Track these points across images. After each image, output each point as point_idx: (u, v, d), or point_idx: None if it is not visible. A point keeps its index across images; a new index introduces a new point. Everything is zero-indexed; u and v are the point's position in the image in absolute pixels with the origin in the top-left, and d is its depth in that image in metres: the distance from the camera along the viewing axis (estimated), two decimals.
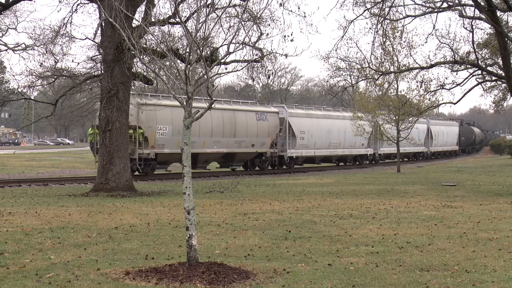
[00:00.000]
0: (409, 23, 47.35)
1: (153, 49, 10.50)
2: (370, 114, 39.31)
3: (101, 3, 17.39)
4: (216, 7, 9.22)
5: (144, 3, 20.91)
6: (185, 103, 8.38)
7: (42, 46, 24.49)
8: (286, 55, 13.01)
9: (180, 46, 17.12)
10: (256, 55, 17.57)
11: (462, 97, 25.85)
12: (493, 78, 26.33)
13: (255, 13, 18.16)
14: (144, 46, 10.04)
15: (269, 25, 21.40)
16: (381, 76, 30.70)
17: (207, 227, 12.40)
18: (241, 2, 18.25)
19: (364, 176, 32.81)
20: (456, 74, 28.44)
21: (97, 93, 24.01)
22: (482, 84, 29.22)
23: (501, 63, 22.96)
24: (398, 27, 28.01)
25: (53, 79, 23.55)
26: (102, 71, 21.52)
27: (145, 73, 21.63)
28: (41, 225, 12.52)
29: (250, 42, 10.82)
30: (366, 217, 14.10)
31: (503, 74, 22.46)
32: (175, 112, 30.01)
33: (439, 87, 26.49)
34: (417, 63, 26.93)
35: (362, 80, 36.61)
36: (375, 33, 24.29)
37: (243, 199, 18.52)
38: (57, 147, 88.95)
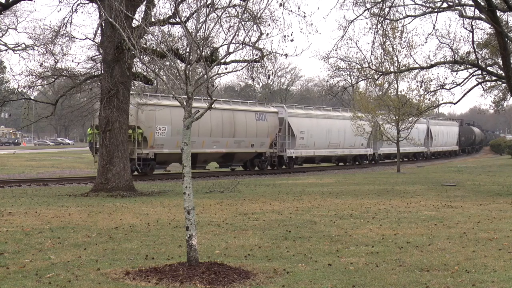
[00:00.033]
0: (409, 23, 47.38)
1: (153, 49, 10.50)
2: (370, 114, 39.31)
3: (101, 3, 17.39)
4: (216, 7, 9.22)
5: (144, 3, 20.91)
6: (185, 103, 8.38)
7: (42, 46, 24.50)
8: (286, 55, 13.02)
9: (180, 46, 17.13)
10: (256, 55, 17.57)
11: (462, 97, 25.87)
12: (493, 78, 26.34)
13: (255, 13, 18.16)
14: (144, 46, 10.04)
15: (269, 25, 21.42)
16: (381, 76, 30.70)
17: (207, 227, 12.40)
18: (241, 2, 18.26)
19: (364, 176, 32.81)
20: (456, 74, 28.46)
21: (97, 93, 24.01)
22: (482, 84, 29.22)
23: (501, 63, 22.96)
24: (398, 27, 28.01)
25: (53, 79, 23.55)
26: (102, 71, 21.52)
27: (145, 73, 21.63)
28: (41, 225, 12.52)
29: (250, 42, 10.82)
30: (366, 217, 14.10)
31: (503, 74, 22.46)
32: (174, 112, 30.01)
33: (439, 87, 26.50)
34: (417, 63, 26.96)
35: (362, 80, 36.63)
36: (375, 33, 24.31)
37: (243, 199, 18.52)
38: (57, 147, 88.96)
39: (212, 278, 7.57)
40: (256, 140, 35.99)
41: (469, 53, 24.79)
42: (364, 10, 23.86)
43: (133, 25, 16.38)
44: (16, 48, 28.05)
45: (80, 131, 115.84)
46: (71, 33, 23.01)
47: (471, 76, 26.16)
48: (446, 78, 31.51)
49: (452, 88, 25.96)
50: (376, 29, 24.06)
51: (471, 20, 23.14)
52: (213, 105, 8.62)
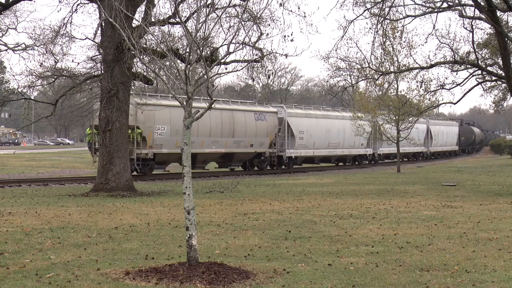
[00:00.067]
0: (409, 23, 47.33)
1: (153, 49, 10.50)
2: (370, 114, 39.30)
3: (101, 3, 17.39)
4: (216, 7, 9.22)
5: (144, 3, 20.91)
6: (185, 103, 8.38)
7: (42, 46, 24.51)
8: (286, 55, 13.04)
9: (180, 46, 17.13)
10: (256, 55, 17.58)
11: (462, 97, 25.87)
12: (493, 78, 26.33)
13: (255, 13, 18.17)
14: (144, 46, 10.04)
15: (269, 25, 21.42)
16: (381, 76, 30.69)
17: (207, 227, 12.40)
18: (241, 2, 18.26)
19: (364, 176, 32.81)
20: (456, 74, 28.44)
21: (97, 93, 24.01)
22: (482, 84, 29.22)
23: (501, 63, 22.96)
24: (398, 27, 28.00)
25: (53, 79, 23.55)
26: (102, 71, 21.52)
27: (145, 73, 21.63)
28: (41, 225, 12.53)
29: (250, 42, 10.82)
30: (366, 217, 14.10)
31: (503, 74, 22.46)
32: (173, 112, 30.00)
33: (439, 87, 26.50)
34: (417, 63, 26.96)
35: (362, 80, 36.62)
36: (375, 33, 24.31)
37: (243, 199, 18.52)
38: (57, 147, 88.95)
39: (212, 278, 7.57)
40: (256, 140, 35.97)
41: (469, 53, 24.80)
42: (364, 10, 23.88)
43: (133, 25, 16.38)
44: (16, 48, 28.06)
45: (80, 131, 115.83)
46: (71, 33, 23.04)
47: (471, 76, 26.17)
48: (446, 78, 31.53)
49: (452, 88, 25.98)
50: (376, 29, 24.07)
51: (471, 20, 23.14)
52: (212, 105, 8.62)
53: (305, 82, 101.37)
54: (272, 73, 60.26)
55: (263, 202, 17.74)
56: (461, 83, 25.71)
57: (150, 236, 11.23)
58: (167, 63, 9.58)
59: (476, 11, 22.21)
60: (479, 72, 25.93)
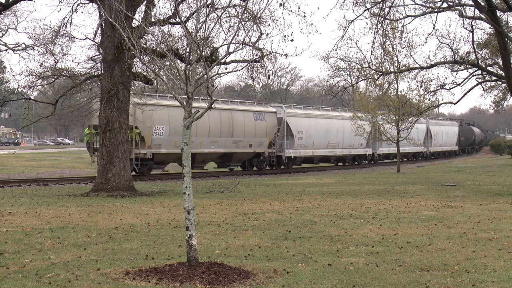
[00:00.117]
0: (409, 23, 47.33)
1: (153, 49, 10.50)
2: (370, 114, 39.30)
3: (101, 3, 17.39)
4: (216, 7, 9.22)
5: (144, 3, 20.91)
6: (185, 103, 8.38)
7: (42, 46, 24.51)
8: (286, 55, 13.04)
9: (180, 46, 17.12)
10: (256, 55, 17.58)
11: (462, 97, 25.87)
12: (493, 78, 26.33)
13: (255, 13, 18.17)
14: (144, 46, 10.04)
15: (269, 25, 21.42)
16: (381, 76, 30.69)
17: (207, 227, 12.40)
18: (241, 2, 18.26)
19: (364, 176, 32.81)
20: (456, 74, 28.44)
21: (96, 93, 24.01)
22: (482, 84, 29.22)
23: (501, 63, 22.96)
24: (398, 27, 28.00)
25: (53, 79, 23.55)
26: (102, 71, 21.52)
27: (145, 73, 21.63)
28: (41, 225, 12.53)
29: (250, 42, 10.83)
30: (366, 217, 14.10)
31: (503, 74, 22.46)
32: (172, 112, 29.98)
33: (439, 87, 26.50)
34: (417, 63, 26.96)
35: (362, 80, 36.62)
36: (375, 33, 24.31)
37: (243, 199, 18.52)
38: (57, 147, 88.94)
39: (212, 278, 7.57)
40: (255, 140, 35.96)
41: (469, 53, 24.80)
42: (364, 10, 23.88)
43: (133, 25, 16.38)
44: (16, 48, 28.06)
45: (80, 131, 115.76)
46: (71, 33, 23.04)
47: (471, 76, 26.17)
48: (446, 78, 31.54)
49: (452, 88, 25.99)
50: (376, 29, 24.07)
51: (471, 20, 23.14)
52: (212, 105, 8.62)
53: (305, 82, 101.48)
54: (272, 73, 60.30)
55: (263, 202, 17.74)
56: (461, 83, 25.74)
57: (150, 236, 11.23)
58: (167, 63, 9.59)
59: (476, 11, 22.22)
60: (479, 72, 25.93)
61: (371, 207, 16.36)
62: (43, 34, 24.28)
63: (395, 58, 28.94)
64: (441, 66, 26.32)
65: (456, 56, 24.60)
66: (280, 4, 17.67)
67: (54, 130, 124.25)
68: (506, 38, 21.12)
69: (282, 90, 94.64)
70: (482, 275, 8.08)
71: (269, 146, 37.21)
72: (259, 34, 12.94)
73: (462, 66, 25.44)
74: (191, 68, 8.31)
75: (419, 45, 67.59)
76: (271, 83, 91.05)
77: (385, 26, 25.22)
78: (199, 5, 8.70)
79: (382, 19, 23.88)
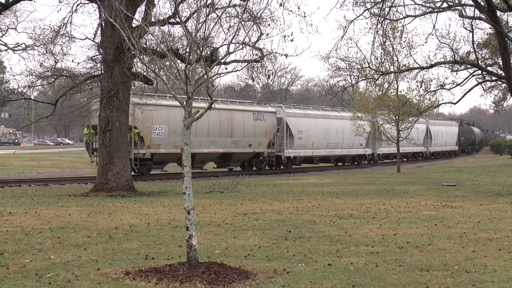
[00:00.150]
0: (409, 23, 47.32)
1: (153, 49, 10.50)
2: (370, 114, 39.30)
3: (101, 3, 17.39)
4: (216, 7, 9.23)
5: (144, 3, 20.91)
6: (185, 103, 8.38)
7: (42, 46, 24.51)
8: (286, 55, 13.05)
9: (180, 46, 17.12)
10: (256, 55, 17.58)
11: (462, 97, 25.88)
12: (493, 78, 26.34)
13: (255, 13, 18.17)
14: (144, 46, 10.04)
15: (269, 25, 21.42)
16: (381, 76, 30.70)
17: (207, 227, 12.40)
18: (241, 2, 18.26)
19: (364, 176, 32.81)
20: (456, 74, 28.46)
21: (96, 93, 24.01)
22: (482, 84, 29.23)
23: (501, 63, 22.97)
24: (398, 27, 28.01)
25: (53, 79, 23.55)
26: (102, 71, 21.52)
27: (145, 73, 21.63)
28: (41, 225, 12.53)
29: (250, 42, 10.83)
30: (366, 217, 14.10)
31: (503, 74, 22.47)
32: (171, 112, 29.95)
33: (439, 87, 26.51)
34: (417, 63, 26.97)
35: (362, 80, 36.65)
36: (375, 33, 24.31)
37: (243, 199, 18.52)
38: (57, 147, 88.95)
39: (212, 278, 7.57)
40: (254, 140, 35.94)
41: (469, 53, 24.80)
42: (364, 10, 23.89)
43: (133, 25, 16.38)
44: (16, 48, 28.06)
45: (80, 131, 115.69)
46: (71, 33, 23.04)
47: (471, 76, 26.17)
48: (446, 78, 31.55)
49: (452, 88, 26.00)
50: (376, 29, 24.08)
51: (471, 20, 23.14)
52: (212, 105, 8.62)
53: (305, 82, 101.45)
54: (272, 73, 60.29)
55: (263, 202, 17.74)
56: (461, 83, 25.75)
57: (150, 236, 11.23)
58: (167, 63, 9.59)
59: (476, 11, 22.22)
60: (479, 72, 25.94)
61: (371, 207, 16.36)
62: (43, 34, 24.30)
63: (395, 58, 28.97)
64: (441, 66, 26.34)
65: (456, 56, 24.61)
66: (280, 4, 17.70)
67: (54, 130, 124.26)
68: (506, 38, 21.12)
69: (282, 90, 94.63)
70: (482, 275, 8.08)
71: (268, 146, 37.19)
72: (259, 34, 12.95)
73: (462, 66, 25.44)
74: (191, 68, 8.32)
75: (419, 45, 67.67)
76: (271, 83, 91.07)
77: (385, 26, 25.25)
78: (199, 5, 8.70)
79: (382, 19, 23.89)
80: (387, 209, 15.89)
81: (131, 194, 20.27)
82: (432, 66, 25.07)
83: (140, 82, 24.18)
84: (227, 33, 9.01)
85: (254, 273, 8.07)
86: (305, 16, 22.52)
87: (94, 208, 15.92)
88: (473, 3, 21.53)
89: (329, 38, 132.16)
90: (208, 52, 11.76)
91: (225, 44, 8.82)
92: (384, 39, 26.54)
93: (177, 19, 17.35)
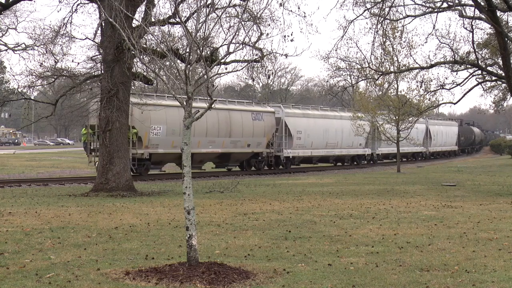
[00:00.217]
0: (409, 23, 47.32)
1: (153, 49, 10.50)
2: (370, 114, 39.31)
3: (101, 3, 17.39)
4: (216, 7, 9.23)
5: (144, 3, 20.91)
6: (185, 103, 8.38)
7: (42, 46, 24.51)
8: (286, 55, 13.05)
9: (180, 46, 17.12)
10: (256, 55, 17.59)
11: (462, 97, 25.88)
12: (493, 78, 26.34)
13: (255, 13, 18.17)
14: (144, 46, 10.05)
15: (269, 25, 21.42)
16: (381, 76, 30.70)
17: (207, 227, 12.40)
18: (241, 2, 18.26)
19: (364, 176, 32.81)
20: (456, 74, 28.45)
21: (96, 93, 24.00)
22: (482, 84, 29.23)
23: (501, 63, 22.97)
24: (398, 27, 28.01)
25: (53, 79, 23.55)
26: (102, 71, 21.52)
27: (145, 73, 21.63)
28: (41, 225, 12.53)
29: (250, 42, 10.83)
30: (366, 217, 14.10)
31: (503, 74, 22.47)
32: (169, 112, 29.92)
33: (439, 87, 26.51)
34: (417, 63, 26.97)
35: (362, 80, 36.67)
36: (375, 33, 24.32)
37: (243, 199, 18.52)
38: (57, 147, 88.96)
39: (212, 278, 7.57)
40: (253, 140, 35.90)
41: (469, 53, 24.80)
42: (364, 10, 23.89)
43: (133, 25, 16.38)
44: (16, 48, 28.06)
45: (80, 131, 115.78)
46: (71, 33, 23.03)
47: (471, 76, 26.18)
48: (446, 78, 31.55)
49: (452, 88, 26.00)
50: (376, 29, 24.08)
51: (471, 20, 23.14)
52: (212, 105, 8.62)
53: (305, 82, 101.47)
54: (272, 73, 60.34)
55: (263, 202, 17.74)
56: (461, 83, 25.75)
57: (150, 236, 11.23)
58: (167, 63, 9.59)
59: (476, 11, 22.22)
60: (479, 72, 25.94)
61: (371, 207, 16.36)
62: (43, 34, 24.30)
63: (395, 58, 28.98)
64: (441, 66, 26.35)
65: (456, 56, 24.61)
66: (280, 4, 17.70)
67: (54, 130, 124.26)
68: (506, 38, 21.12)
69: (282, 90, 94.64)
70: (482, 275, 8.08)
71: (267, 146, 37.14)
72: (259, 34, 12.95)
73: (462, 66, 25.45)
74: (191, 68, 8.32)
75: (419, 45, 67.69)
76: (271, 83, 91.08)
77: (385, 26, 25.25)
78: (199, 5, 8.70)
79: (382, 19, 23.89)
80: (387, 209, 15.89)
81: (131, 194, 20.27)
82: (432, 66, 25.08)
83: (140, 82, 24.18)
84: (227, 33, 9.02)
85: (254, 273, 8.07)
86: (305, 16, 22.55)
87: (94, 208, 15.92)
88: (473, 3, 21.53)
89: (329, 38, 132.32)
90: (208, 52, 11.76)
91: (225, 44, 8.82)
92: (384, 39, 26.55)
93: (177, 19, 17.36)
